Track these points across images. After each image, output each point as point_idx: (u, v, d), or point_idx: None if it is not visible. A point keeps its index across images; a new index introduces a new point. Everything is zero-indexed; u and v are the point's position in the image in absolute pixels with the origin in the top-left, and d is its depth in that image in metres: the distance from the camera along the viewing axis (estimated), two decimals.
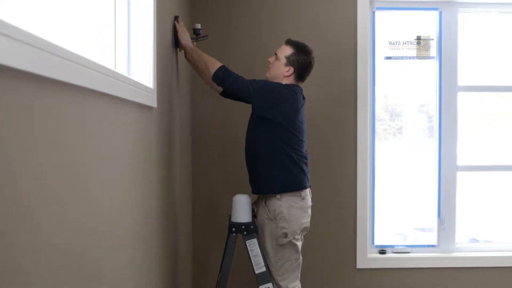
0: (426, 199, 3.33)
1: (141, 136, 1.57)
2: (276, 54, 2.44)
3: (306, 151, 2.43)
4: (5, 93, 0.69)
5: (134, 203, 1.46)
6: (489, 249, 3.28)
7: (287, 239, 2.32)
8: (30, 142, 0.77)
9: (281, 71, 2.40)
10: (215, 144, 3.13)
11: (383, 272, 3.18)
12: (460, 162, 3.25)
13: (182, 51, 2.44)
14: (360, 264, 3.16)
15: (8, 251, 0.70)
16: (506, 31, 3.31)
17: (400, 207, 3.38)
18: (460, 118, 3.25)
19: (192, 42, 2.42)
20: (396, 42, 3.23)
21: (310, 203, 2.41)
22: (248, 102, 2.38)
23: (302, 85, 2.47)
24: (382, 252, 3.22)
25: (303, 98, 2.43)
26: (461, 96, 3.25)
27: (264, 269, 2.32)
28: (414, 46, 3.23)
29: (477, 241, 3.35)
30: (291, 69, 2.39)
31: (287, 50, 2.40)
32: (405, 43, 3.23)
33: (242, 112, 2.64)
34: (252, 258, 2.33)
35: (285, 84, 2.38)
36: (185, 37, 2.36)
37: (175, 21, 2.34)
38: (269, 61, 2.46)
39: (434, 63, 3.25)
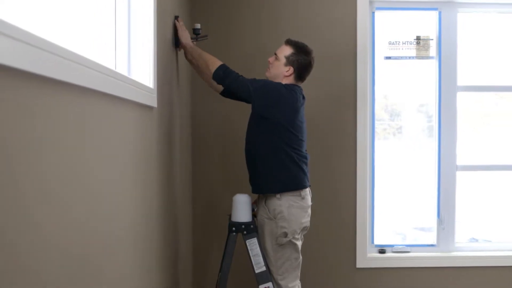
0: (426, 199, 3.33)
1: (141, 136, 1.57)
2: (276, 54, 2.44)
3: (306, 150, 2.44)
4: (6, 93, 0.69)
5: (134, 203, 1.46)
6: (488, 249, 3.28)
7: (287, 239, 2.32)
8: (30, 142, 0.77)
9: (281, 71, 2.40)
10: (215, 144, 3.13)
11: (382, 271, 3.18)
12: (459, 161, 3.25)
13: (182, 50, 2.45)
14: (360, 264, 3.16)
15: (9, 251, 0.70)
16: (505, 31, 3.31)
17: (400, 206, 3.38)
18: (460, 118, 3.26)
19: (192, 42, 2.43)
20: (396, 42, 3.23)
21: (310, 202, 2.41)
22: (248, 102, 2.38)
23: (302, 85, 2.47)
24: (382, 251, 3.22)
25: (303, 97, 2.43)
26: (460, 96, 3.25)
27: (264, 268, 2.33)
28: (414, 46, 3.23)
29: (477, 240, 3.35)
30: (291, 69, 2.39)
31: (287, 50, 2.40)
32: (405, 43, 3.23)
33: (242, 112, 2.64)
34: (252, 258, 2.33)
35: (285, 84, 2.38)
36: (185, 36, 2.36)
37: (175, 20, 2.35)
38: (269, 61, 2.46)
39: (434, 63, 3.25)
